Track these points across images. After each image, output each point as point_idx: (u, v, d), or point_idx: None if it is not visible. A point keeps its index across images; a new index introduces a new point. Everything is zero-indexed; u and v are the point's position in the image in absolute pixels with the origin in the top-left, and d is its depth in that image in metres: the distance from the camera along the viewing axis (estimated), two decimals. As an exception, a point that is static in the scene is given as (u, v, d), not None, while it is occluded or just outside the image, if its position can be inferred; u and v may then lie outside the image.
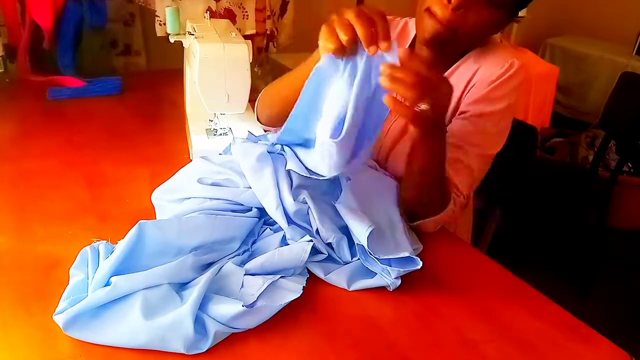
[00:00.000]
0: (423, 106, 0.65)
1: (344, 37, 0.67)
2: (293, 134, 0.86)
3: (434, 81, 0.66)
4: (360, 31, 0.66)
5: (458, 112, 0.93)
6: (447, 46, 0.92)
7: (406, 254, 0.77)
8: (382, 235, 0.83)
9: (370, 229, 0.78)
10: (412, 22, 1.05)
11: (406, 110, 0.68)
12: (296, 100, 0.78)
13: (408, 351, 0.68)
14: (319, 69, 0.74)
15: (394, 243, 0.82)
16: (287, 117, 0.81)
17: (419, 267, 0.77)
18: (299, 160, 0.85)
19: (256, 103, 1.10)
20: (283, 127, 0.85)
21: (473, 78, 0.93)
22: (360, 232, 0.79)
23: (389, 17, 1.06)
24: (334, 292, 0.77)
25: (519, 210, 2.10)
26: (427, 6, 0.88)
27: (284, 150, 0.89)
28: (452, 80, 0.95)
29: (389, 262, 0.78)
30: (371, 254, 0.78)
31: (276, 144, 0.89)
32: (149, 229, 0.72)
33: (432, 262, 0.85)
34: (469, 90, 0.93)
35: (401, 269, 0.76)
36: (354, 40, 0.67)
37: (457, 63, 0.96)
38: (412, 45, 1.02)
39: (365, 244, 0.77)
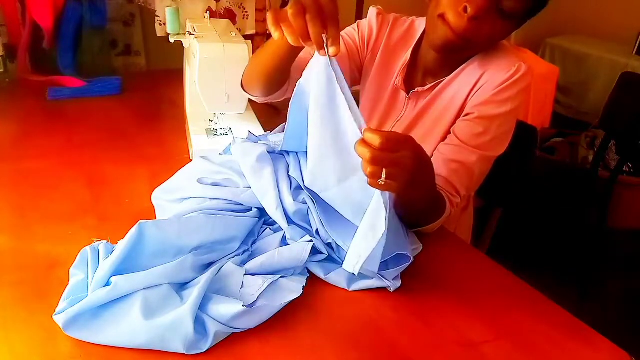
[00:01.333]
0: (380, 181, 0.64)
1: (295, 34, 0.67)
2: (292, 149, 0.88)
3: (391, 158, 0.64)
4: (312, 31, 0.66)
5: (463, 114, 0.93)
6: (456, 53, 0.92)
7: (395, 253, 0.77)
8: None
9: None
10: (419, 22, 1.04)
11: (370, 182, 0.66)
12: (272, 72, 0.80)
13: (408, 351, 0.68)
14: (299, 86, 0.76)
15: (391, 242, 0.82)
16: (270, 87, 0.84)
17: (409, 263, 0.77)
18: (300, 168, 0.86)
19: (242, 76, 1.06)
20: (281, 145, 0.87)
21: (479, 82, 0.93)
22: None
23: (395, 15, 1.07)
24: (334, 292, 0.77)
25: (519, 210, 2.10)
26: (442, 12, 0.87)
27: (287, 153, 0.89)
28: (457, 83, 0.95)
29: (385, 264, 0.78)
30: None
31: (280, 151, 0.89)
32: (149, 229, 0.72)
33: (432, 262, 0.85)
34: (474, 94, 0.93)
35: (394, 269, 0.76)
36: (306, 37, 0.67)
37: (461, 66, 0.96)
38: (417, 45, 1.01)
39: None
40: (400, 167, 0.65)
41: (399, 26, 1.05)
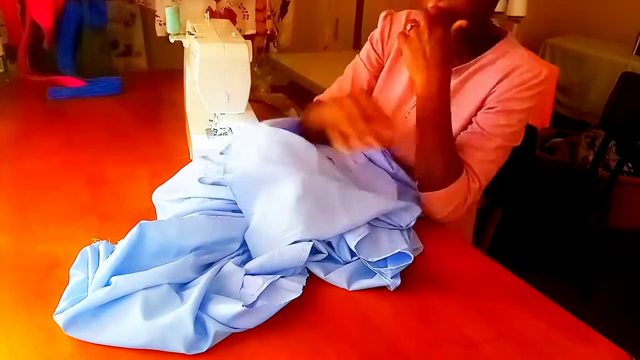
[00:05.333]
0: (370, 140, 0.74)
1: None
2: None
3: (364, 118, 0.75)
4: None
5: (486, 107, 0.97)
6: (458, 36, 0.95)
7: (398, 250, 0.77)
8: (377, 235, 0.83)
9: (359, 238, 0.79)
10: (414, 14, 1.08)
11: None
12: None
13: (408, 351, 0.68)
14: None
15: (389, 240, 0.82)
16: None
17: (410, 261, 0.77)
18: None
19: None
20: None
21: (506, 78, 0.97)
22: (350, 239, 0.80)
23: (409, 10, 1.10)
24: (334, 292, 0.77)
25: (519, 210, 2.10)
26: (424, 4, 0.94)
27: None
28: (482, 76, 0.99)
29: (385, 262, 0.78)
30: (364, 260, 0.79)
31: None
32: (149, 229, 0.72)
33: (432, 262, 0.85)
34: (496, 88, 0.97)
35: (394, 267, 0.77)
36: None
37: (485, 57, 0.99)
38: None
39: (354, 251, 0.79)
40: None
41: (413, 15, 1.10)
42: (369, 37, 1.15)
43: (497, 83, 0.97)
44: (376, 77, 1.14)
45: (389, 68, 1.12)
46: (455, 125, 0.99)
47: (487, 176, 0.97)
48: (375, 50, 1.13)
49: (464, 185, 0.93)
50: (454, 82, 1.01)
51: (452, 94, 1.00)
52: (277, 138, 0.92)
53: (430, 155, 0.93)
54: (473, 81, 1.00)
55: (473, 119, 0.98)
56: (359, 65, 1.15)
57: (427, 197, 0.94)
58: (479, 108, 0.99)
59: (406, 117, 1.06)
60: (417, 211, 0.90)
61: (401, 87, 1.08)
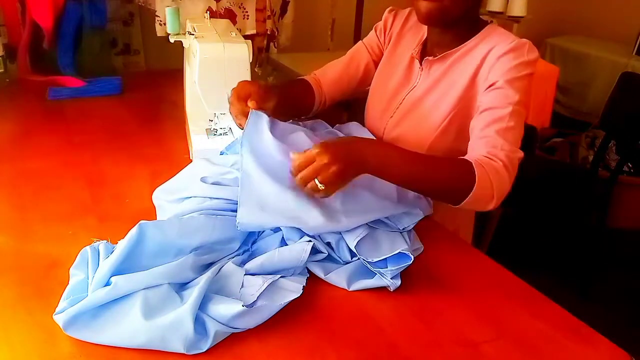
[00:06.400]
0: (320, 186, 0.78)
1: None
2: None
3: (315, 169, 0.78)
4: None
5: (488, 85, 0.96)
6: (449, 25, 1.00)
7: (398, 250, 0.78)
8: (377, 236, 0.83)
9: (359, 238, 0.79)
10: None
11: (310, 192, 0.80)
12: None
13: (408, 351, 0.68)
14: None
15: (389, 241, 0.82)
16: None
17: (410, 262, 0.77)
18: None
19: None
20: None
21: (486, 56, 0.98)
22: (350, 239, 0.80)
23: (396, 9, 1.18)
24: (334, 292, 0.77)
25: (519, 211, 2.10)
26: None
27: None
28: (468, 58, 1.01)
29: (385, 262, 0.78)
30: (365, 260, 0.79)
31: None
32: (149, 229, 0.72)
33: (432, 262, 0.85)
34: (485, 66, 0.98)
35: (394, 268, 0.77)
36: None
37: (471, 41, 1.02)
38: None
39: (355, 251, 0.79)
40: (324, 171, 0.77)
41: (398, 18, 1.18)
42: (374, 27, 1.22)
43: (483, 59, 0.98)
44: (375, 63, 1.21)
45: (388, 56, 1.17)
46: (443, 107, 1.02)
47: (516, 141, 0.95)
48: (378, 37, 1.20)
49: (484, 175, 0.86)
50: (441, 67, 1.04)
51: (439, 78, 1.05)
52: (277, 133, 0.91)
53: (425, 189, 0.90)
54: (459, 65, 1.03)
55: (479, 104, 0.97)
56: (361, 47, 1.22)
57: (463, 207, 0.89)
58: (468, 88, 1.00)
59: (401, 103, 1.10)
60: (418, 216, 0.90)
61: (398, 75, 1.13)
